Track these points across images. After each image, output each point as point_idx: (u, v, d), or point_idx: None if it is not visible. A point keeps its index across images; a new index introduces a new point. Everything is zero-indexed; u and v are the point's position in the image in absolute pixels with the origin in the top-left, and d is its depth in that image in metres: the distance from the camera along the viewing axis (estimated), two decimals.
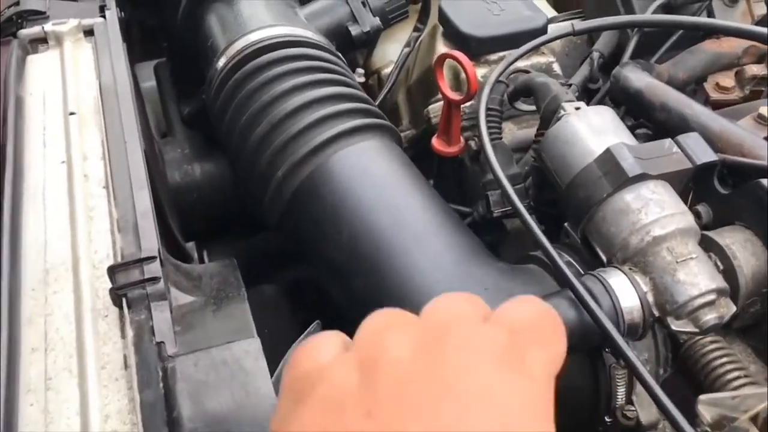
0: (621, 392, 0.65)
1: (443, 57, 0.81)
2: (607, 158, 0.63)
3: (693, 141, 0.65)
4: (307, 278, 1.13)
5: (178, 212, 1.19)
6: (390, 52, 1.25)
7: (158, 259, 0.65)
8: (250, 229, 1.27)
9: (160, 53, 1.47)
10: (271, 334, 0.68)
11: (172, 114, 1.39)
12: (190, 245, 1.03)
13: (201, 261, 1.03)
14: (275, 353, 0.62)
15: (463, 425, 0.33)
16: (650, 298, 0.60)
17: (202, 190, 1.26)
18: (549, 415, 0.36)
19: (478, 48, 0.91)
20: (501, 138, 0.84)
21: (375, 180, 0.74)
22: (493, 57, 0.93)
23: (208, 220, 1.27)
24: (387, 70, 1.20)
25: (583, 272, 0.67)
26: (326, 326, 0.66)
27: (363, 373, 0.37)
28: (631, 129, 0.72)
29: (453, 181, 0.92)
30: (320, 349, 0.41)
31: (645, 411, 0.67)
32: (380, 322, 0.42)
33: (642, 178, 0.62)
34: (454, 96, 0.81)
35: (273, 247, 1.23)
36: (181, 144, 1.31)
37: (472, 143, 0.88)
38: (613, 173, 0.62)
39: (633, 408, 0.66)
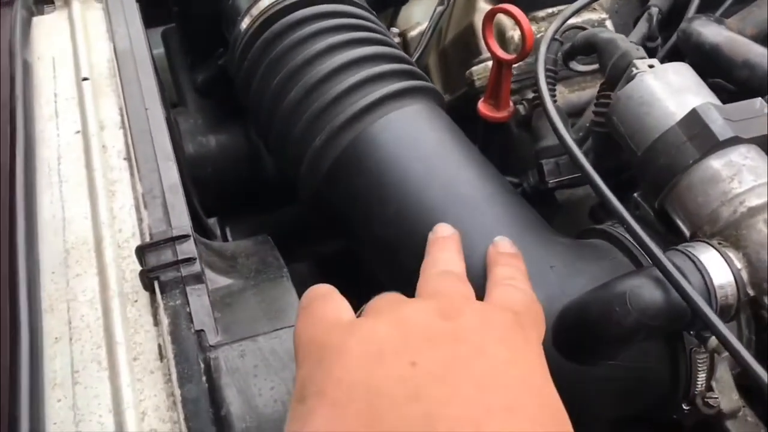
0: (701, 378, 0.60)
1: (493, 11, 0.73)
2: (694, 120, 0.56)
3: None
4: (335, 252, 1.08)
5: (193, 186, 1.13)
6: (415, 13, 1.18)
7: (192, 238, 0.58)
8: (267, 204, 1.21)
9: (165, 20, 1.40)
10: None
11: (183, 83, 1.32)
12: (212, 222, 0.96)
13: (224, 238, 0.96)
14: None
15: (495, 381, 0.38)
16: (744, 275, 0.54)
17: (217, 163, 1.20)
18: (551, 379, 0.42)
19: (524, 3, 0.83)
20: (555, 100, 0.77)
21: (423, 148, 0.67)
22: (541, 13, 0.85)
23: (222, 195, 1.21)
24: (413, 33, 1.13)
25: (662, 248, 0.61)
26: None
27: (394, 329, 0.40)
28: None
29: (497, 149, 0.85)
30: (335, 306, 0.45)
31: (726, 398, 0.61)
32: (389, 296, 0.46)
33: (733, 141, 0.55)
34: (506, 56, 0.74)
35: (296, 223, 1.17)
36: (194, 115, 1.24)
37: (521, 107, 0.81)
38: (700, 137, 0.56)
39: (715, 395, 0.60)
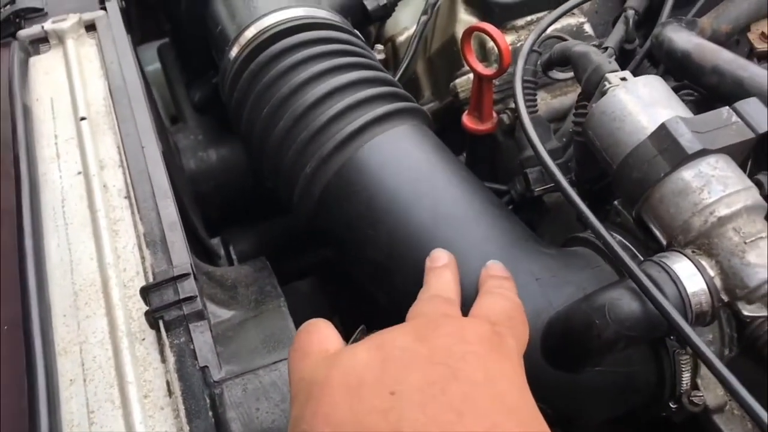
0: (686, 377, 0.62)
1: (470, 30, 0.75)
2: (663, 134, 0.58)
3: (752, 107, 0.60)
4: (335, 261, 1.10)
5: (196, 201, 1.16)
6: (403, 18, 1.19)
7: (192, 276, 0.61)
8: (269, 213, 1.24)
9: (161, 33, 1.42)
10: None
11: (181, 98, 1.35)
12: (216, 242, 1.00)
13: (228, 257, 0.99)
14: None
15: (470, 403, 0.39)
16: (717, 282, 0.57)
17: (219, 177, 1.23)
18: (528, 389, 0.44)
19: (503, 14, 0.85)
20: (537, 110, 0.79)
21: (409, 170, 0.69)
22: (520, 22, 0.87)
23: (225, 207, 1.24)
24: (401, 38, 1.15)
25: (640, 256, 0.63)
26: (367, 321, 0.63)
27: (372, 357, 0.42)
28: (674, 91, 0.67)
29: (485, 158, 0.87)
30: (320, 337, 0.47)
31: (711, 394, 0.64)
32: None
33: (702, 153, 0.57)
34: (486, 71, 0.76)
35: (297, 229, 1.20)
36: (194, 130, 1.27)
37: (505, 117, 0.83)
38: (670, 150, 0.58)
39: (700, 393, 0.63)
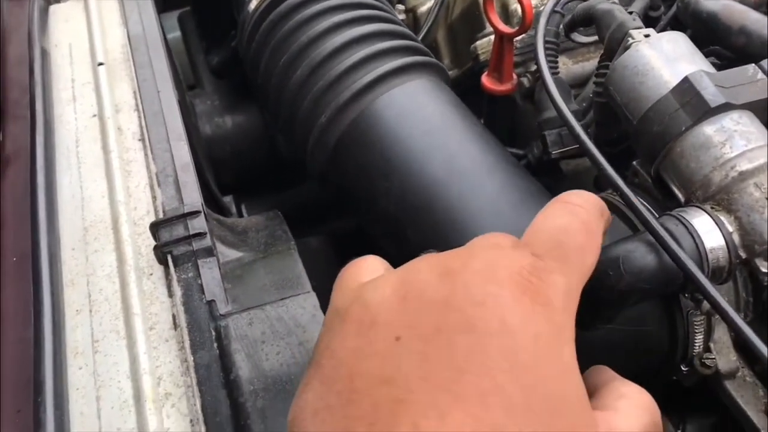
0: (699, 339, 0.61)
1: None
2: (686, 88, 0.57)
3: None
4: (350, 229, 1.10)
5: (211, 166, 1.16)
6: None
7: (202, 214, 0.61)
8: (283, 183, 1.24)
9: (182, 3, 1.43)
10: (319, 287, 0.65)
11: (199, 65, 1.35)
12: (228, 199, 0.99)
13: (240, 215, 0.99)
14: (323, 307, 0.59)
15: (475, 359, 0.33)
16: (736, 238, 0.55)
17: (235, 143, 1.23)
18: (560, 345, 0.36)
19: None
20: (558, 73, 0.78)
21: (425, 123, 0.69)
22: None
23: (239, 174, 1.24)
24: (423, 8, 1.14)
25: (657, 214, 0.62)
26: None
27: (392, 294, 0.37)
28: None
29: (503, 121, 0.86)
30: (360, 269, 0.42)
31: (724, 359, 0.63)
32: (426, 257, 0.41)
33: (725, 108, 0.56)
34: (507, 29, 0.75)
35: (311, 200, 1.20)
36: (211, 96, 1.27)
37: (525, 80, 0.82)
38: (692, 104, 0.57)
39: (712, 356, 0.62)
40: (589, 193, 0.45)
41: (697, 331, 0.61)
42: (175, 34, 1.47)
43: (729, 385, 0.63)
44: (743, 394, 0.63)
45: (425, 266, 0.38)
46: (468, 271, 0.37)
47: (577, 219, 0.42)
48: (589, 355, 0.62)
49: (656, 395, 0.71)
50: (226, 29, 1.14)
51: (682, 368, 0.62)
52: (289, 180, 1.24)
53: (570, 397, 0.35)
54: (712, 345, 0.62)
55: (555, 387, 0.34)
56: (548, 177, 0.81)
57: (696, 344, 0.61)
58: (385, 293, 0.38)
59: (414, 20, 1.13)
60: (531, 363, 0.34)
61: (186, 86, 1.41)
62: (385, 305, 0.37)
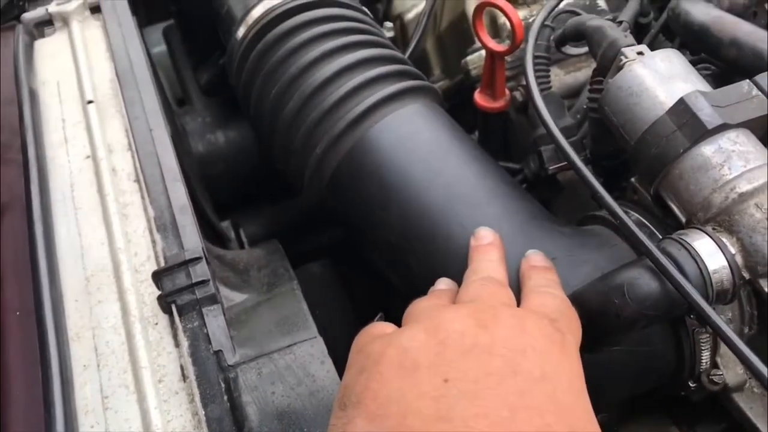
0: (705, 356, 0.62)
1: (482, 5, 0.74)
2: (682, 109, 0.57)
3: None
4: (347, 242, 1.10)
5: (206, 185, 1.15)
6: None
7: (204, 259, 0.61)
8: (278, 195, 1.23)
9: (166, 15, 1.41)
10: (322, 316, 0.65)
11: (187, 81, 1.34)
12: (226, 225, 0.99)
13: (239, 240, 0.99)
14: (328, 336, 0.59)
15: (525, 400, 0.38)
16: (739, 260, 0.55)
17: (229, 160, 1.22)
18: (585, 389, 0.43)
19: None
20: (551, 87, 0.77)
21: (421, 149, 0.68)
22: None
23: (234, 190, 1.23)
24: (410, 15, 1.13)
25: (658, 234, 0.62)
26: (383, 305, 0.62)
27: (429, 340, 0.41)
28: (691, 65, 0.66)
29: (498, 136, 0.86)
30: (382, 324, 0.47)
31: (731, 372, 0.63)
32: (428, 302, 0.49)
33: (722, 128, 0.56)
34: (498, 47, 0.75)
35: (309, 210, 1.19)
36: (202, 113, 1.26)
37: (518, 94, 0.82)
38: (689, 126, 0.56)
39: (720, 372, 0.62)
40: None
41: (703, 348, 0.61)
42: (160, 48, 1.45)
43: (737, 397, 0.63)
44: (752, 405, 0.63)
45: (456, 317, 0.43)
46: (503, 326, 0.42)
47: (563, 299, 0.52)
48: (597, 376, 0.62)
49: (664, 406, 0.72)
50: (213, 44, 1.13)
51: (690, 385, 0.63)
52: (284, 192, 1.23)
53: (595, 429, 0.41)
54: (719, 359, 0.62)
55: (587, 427, 0.40)
56: (545, 191, 0.81)
57: (703, 361, 0.61)
58: (420, 339, 0.42)
59: (401, 28, 1.12)
60: (570, 405, 0.40)
61: (175, 100, 1.40)
62: (424, 350, 0.41)
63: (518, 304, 0.52)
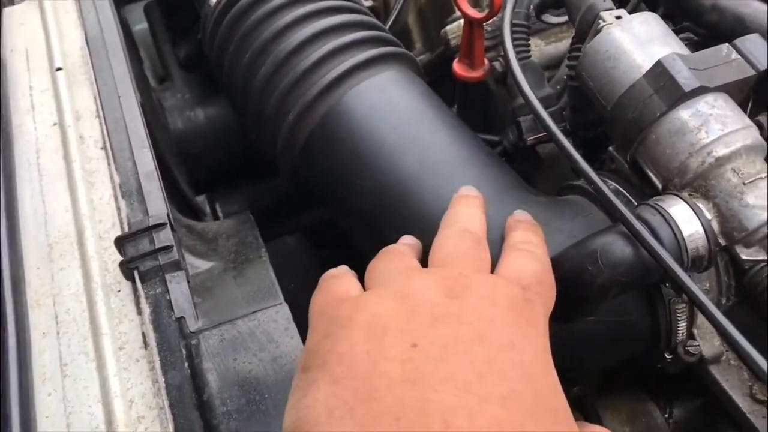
0: (682, 327, 0.60)
1: None
2: (659, 72, 0.56)
3: (753, 44, 0.57)
4: (326, 221, 1.08)
5: (184, 162, 1.13)
6: None
7: (168, 225, 0.59)
8: (259, 175, 1.21)
9: None
10: (297, 290, 0.63)
11: (168, 57, 1.31)
12: (201, 199, 0.97)
13: (214, 215, 0.97)
14: (302, 310, 0.57)
15: (493, 368, 0.38)
16: (715, 225, 0.54)
17: (208, 137, 1.20)
18: (551, 361, 0.42)
19: None
20: (530, 56, 0.76)
21: (396, 116, 0.66)
22: None
23: (214, 168, 1.21)
24: None
25: (635, 202, 0.61)
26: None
27: (399, 307, 0.41)
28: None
29: (478, 107, 0.84)
30: (346, 282, 0.46)
31: (708, 344, 0.62)
32: (393, 264, 0.48)
33: (700, 91, 0.55)
34: (476, 14, 0.73)
35: (286, 193, 1.17)
36: (181, 89, 1.23)
37: (497, 64, 0.80)
38: (666, 89, 0.55)
39: (696, 343, 0.61)
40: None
41: (679, 319, 0.60)
42: (142, 25, 1.43)
43: (714, 369, 0.62)
44: (728, 378, 0.62)
45: (427, 285, 0.43)
46: (473, 295, 0.42)
47: (543, 262, 0.51)
48: (572, 347, 0.61)
49: (642, 380, 0.71)
50: (191, 20, 1.11)
51: (666, 356, 0.62)
52: (266, 170, 1.21)
53: (562, 407, 0.40)
54: (695, 331, 0.61)
55: (553, 397, 0.40)
56: (525, 162, 0.80)
57: (679, 332, 0.60)
58: (390, 306, 0.42)
59: (384, 3, 1.10)
60: (536, 374, 0.40)
61: (157, 79, 1.38)
62: (393, 317, 0.41)
63: (498, 257, 0.51)
